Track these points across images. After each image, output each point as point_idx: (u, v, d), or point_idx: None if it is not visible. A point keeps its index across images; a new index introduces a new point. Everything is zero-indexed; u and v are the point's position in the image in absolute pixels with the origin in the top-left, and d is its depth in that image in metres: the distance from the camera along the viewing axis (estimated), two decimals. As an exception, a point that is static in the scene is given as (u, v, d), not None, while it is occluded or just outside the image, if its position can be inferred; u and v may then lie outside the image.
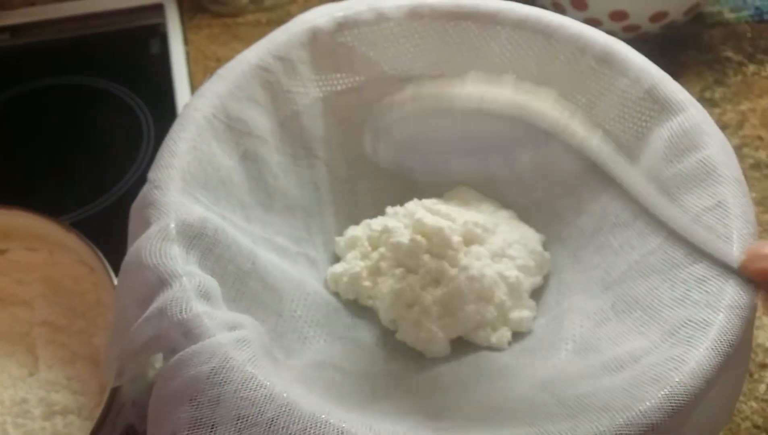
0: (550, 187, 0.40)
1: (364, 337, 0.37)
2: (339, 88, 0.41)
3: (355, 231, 0.39)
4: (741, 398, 0.44)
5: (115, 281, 0.37)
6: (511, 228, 0.39)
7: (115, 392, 0.33)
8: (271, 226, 0.37)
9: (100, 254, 0.38)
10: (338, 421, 0.25)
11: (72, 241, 0.39)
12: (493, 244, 0.38)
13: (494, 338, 0.36)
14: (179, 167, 0.32)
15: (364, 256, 0.38)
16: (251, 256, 0.33)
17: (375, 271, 0.38)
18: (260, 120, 0.37)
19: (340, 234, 0.40)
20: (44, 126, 0.59)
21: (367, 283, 0.37)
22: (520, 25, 0.40)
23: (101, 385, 0.36)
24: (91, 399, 0.36)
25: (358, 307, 0.38)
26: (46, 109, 0.60)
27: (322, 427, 0.25)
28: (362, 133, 0.41)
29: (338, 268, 0.38)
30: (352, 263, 0.38)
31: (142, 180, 0.54)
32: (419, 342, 0.36)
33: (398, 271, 0.37)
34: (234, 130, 0.36)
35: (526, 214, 0.41)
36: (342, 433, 0.25)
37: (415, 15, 0.41)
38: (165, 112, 0.58)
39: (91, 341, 0.38)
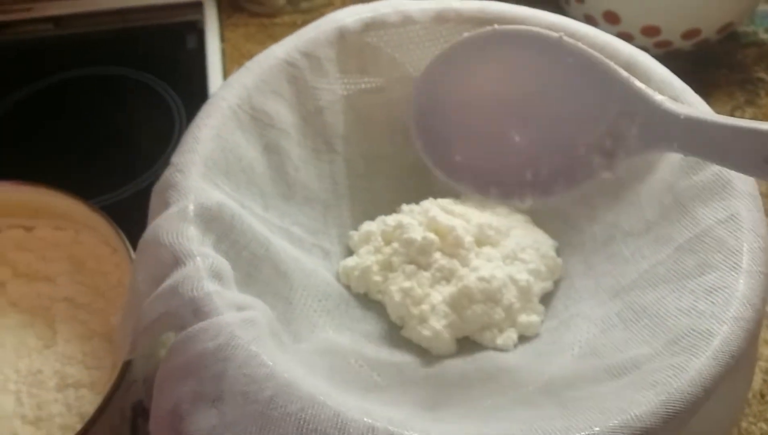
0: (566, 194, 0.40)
1: (372, 330, 0.38)
2: (363, 87, 0.41)
3: (369, 226, 0.40)
4: (751, 419, 0.44)
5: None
6: (525, 232, 0.40)
7: (126, 368, 0.34)
8: (289, 216, 0.38)
9: (123, 236, 0.39)
10: (335, 404, 0.26)
11: (96, 221, 0.40)
12: (506, 247, 0.38)
13: (500, 340, 0.36)
14: (202, 153, 0.34)
15: (377, 251, 0.39)
16: (266, 243, 0.34)
17: (386, 266, 0.38)
18: (284, 113, 0.38)
19: (356, 228, 0.41)
20: (80, 114, 0.61)
21: (377, 278, 0.38)
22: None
23: (115, 363, 0.37)
24: (105, 375, 0.37)
25: (368, 301, 0.39)
26: (84, 98, 0.62)
27: (319, 408, 0.26)
28: (384, 132, 0.42)
29: (350, 261, 0.39)
30: (364, 257, 0.39)
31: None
32: (424, 339, 0.36)
33: (409, 267, 0.38)
34: (258, 121, 0.37)
35: (539, 220, 0.41)
36: (338, 415, 0.26)
37: (441, 19, 0.41)
38: (198, 107, 0.59)
39: (109, 320, 0.39)
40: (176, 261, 0.29)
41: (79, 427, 0.35)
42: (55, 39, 0.67)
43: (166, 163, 0.56)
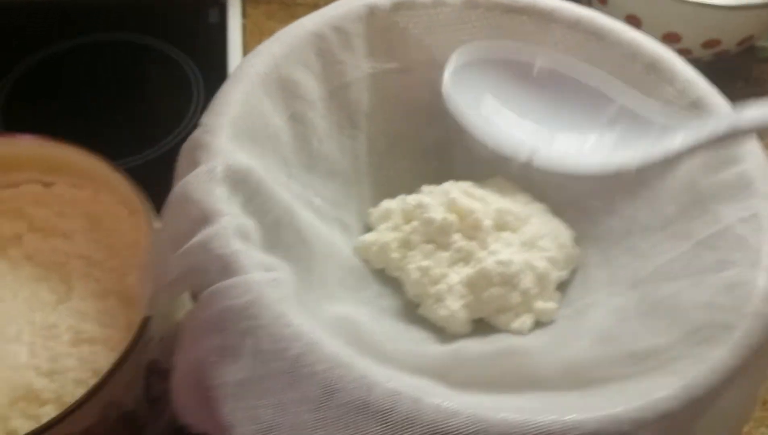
0: (584, 186, 0.41)
1: (388, 306, 0.38)
2: (389, 66, 0.41)
3: (389, 203, 0.40)
4: (752, 424, 0.44)
5: (156, 225, 0.38)
6: (544, 221, 0.40)
7: (145, 324, 0.34)
8: (311, 187, 0.38)
9: (144, 195, 0.39)
10: (361, 366, 0.26)
11: (117, 181, 0.40)
12: (525, 234, 0.38)
13: (516, 324, 0.37)
14: (231, 116, 0.34)
15: (396, 228, 0.39)
16: (290, 210, 0.34)
17: (405, 244, 0.38)
18: (311, 85, 0.38)
19: (375, 206, 0.41)
20: (100, 78, 0.61)
21: (396, 255, 0.38)
22: (575, 25, 0.41)
23: (129, 322, 0.37)
24: (119, 333, 0.37)
25: (385, 278, 0.39)
26: (105, 63, 0.62)
27: (346, 369, 0.26)
28: (408, 113, 0.42)
29: (369, 236, 0.39)
30: (384, 234, 0.39)
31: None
32: (440, 319, 0.36)
33: (428, 246, 0.38)
34: (285, 90, 0.37)
35: (556, 210, 0.42)
36: (364, 377, 0.26)
37: (471, 4, 0.41)
38: (217, 80, 0.60)
39: (124, 279, 0.39)
40: (205, 218, 0.29)
41: (92, 382, 0.35)
42: (82, 2, 0.67)
43: (183, 133, 0.57)
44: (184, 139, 0.57)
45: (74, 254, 0.40)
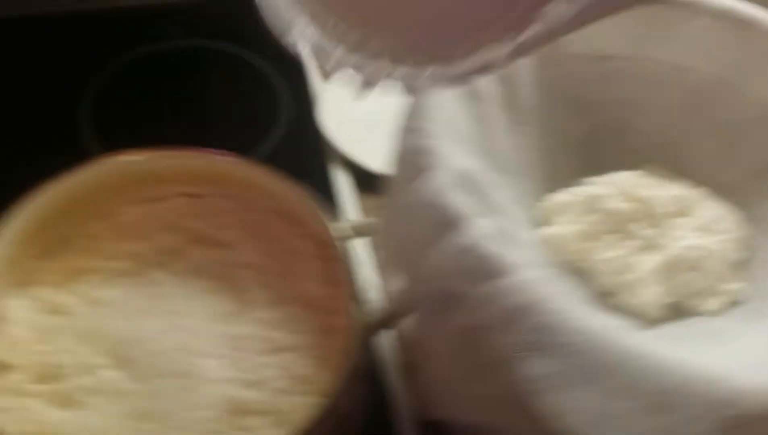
0: (737, 171, 0.42)
1: (579, 297, 0.38)
2: (542, 60, 0.42)
3: (561, 197, 0.41)
4: None
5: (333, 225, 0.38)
6: (712, 204, 0.41)
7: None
8: (492, 184, 0.38)
9: (312, 201, 0.39)
10: (653, 356, 0.27)
11: (275, 187, 0.40)
12: (701, 218, 0.39)
13: (708, 306, 0.37)
14: (441, 121, 0.34)
15: (576, 221, 0.39)
16: (494, 210, 0.35)
17: (589, 236, 0.39)
18: (486, 83, 0.38)
19: (539, 199, 0.42)
20: (178, 86, 0.60)
21: (580, 246, 0.38)
22: (719, 15, 0.42)
23: (316, 326, 0.36)
24: (312, 338, 0.36)
25: (570, 270, 0.39)
26: (179, 71, 0.61)
27: (642, 359, 0.26)
28: (566, 106, 0.42)
29: (552, 230, 0.39)
30: (565, 226, 0.39)
31: (279, 149, 0.55)
32: (636, 307, 0.37)
33: (611, 236, 0.38)
34: (470, 91, 0.37)
35: (717, 194, 0.42)
36: (653, 366, 0.26)
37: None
38: (300, 86, 0.59)
39: (298, 285, 0.38)
40: (451, 223, 0.30)
41: (299, 389, 0.35)
42: (162, 8, 0.66)
43: (274, 142, 0.56)
44: (277, 147, 0.56)
45: (240, 264, 0.39)
